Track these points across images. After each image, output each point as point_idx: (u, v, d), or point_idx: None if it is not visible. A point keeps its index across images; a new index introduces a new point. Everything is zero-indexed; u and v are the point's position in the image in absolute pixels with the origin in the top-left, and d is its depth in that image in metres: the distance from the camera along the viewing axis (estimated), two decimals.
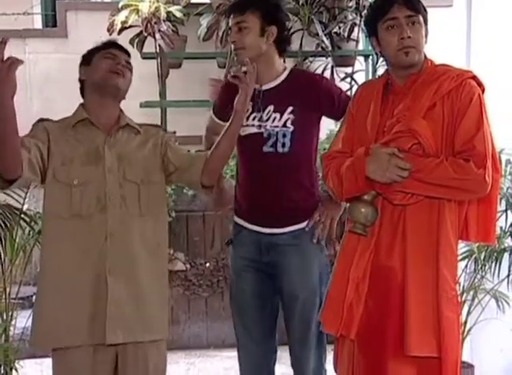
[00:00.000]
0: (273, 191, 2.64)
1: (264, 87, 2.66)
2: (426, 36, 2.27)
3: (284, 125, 2.61)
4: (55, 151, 2.34)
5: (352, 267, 2.27)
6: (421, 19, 2.24)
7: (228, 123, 2.47)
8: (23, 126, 6.42)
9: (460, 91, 2.18)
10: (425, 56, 2.28)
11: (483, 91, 2.24)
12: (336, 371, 2.45)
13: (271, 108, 2.64)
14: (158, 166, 2.46)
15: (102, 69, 2.39)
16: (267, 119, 2.64)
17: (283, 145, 2.61)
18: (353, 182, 2.23)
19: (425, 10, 2.27)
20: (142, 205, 2.39)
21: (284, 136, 2.61)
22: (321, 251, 2.72)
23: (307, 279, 2.59)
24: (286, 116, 2.62)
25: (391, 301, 2.22)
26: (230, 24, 2.68)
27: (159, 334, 2.44)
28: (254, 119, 2.65)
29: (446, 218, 2.19)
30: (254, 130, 2.65)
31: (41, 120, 2.43)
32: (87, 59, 2.45)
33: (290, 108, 2.61)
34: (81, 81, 2.49)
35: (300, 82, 2.67)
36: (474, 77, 2.24)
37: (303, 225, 2.67)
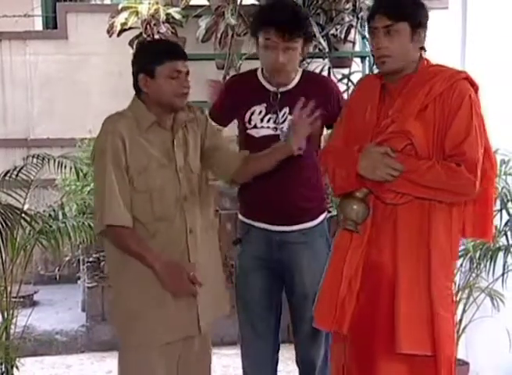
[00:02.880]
0: (284, 190, 2.68)
1: (281, 90, 2.69)
2: (417, 41, 2.26)
3: None
4: (131, 161, 2.32)
5: (345, 264, 2.30)
6: (401, 26, 2.23)
7: (278, 147, 2.47)
8: (23, 127, 6.47)
9: (451, 93, 2.20)
10: (421, 56, 2.29)
11: (476, 90, 2.25)
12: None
13: (286, 110, 2.67)
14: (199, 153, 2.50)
15: (168, 92, 2.32)
16: (283, 122, 2.67)
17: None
18: (345, 178, 2.27)
19: (417, 14, 2.26)
20: (202, 194, 2.46)
21: None
22: (330, 247, 2.75)
23: (316, 277, 2.61)
24: None
25: (382, 298, 2.25)
26: (272, 39, 2.59)
27: (227, 310, 2.61)
28: (269, 120, 2.68)
29: (436, 218, 2.21)
30: (270, 132, 2.68)
31: (114, 122, 2.34)
32: (149, 70, 2.32)
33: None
34: (137, 80, 2.38)
35: (311, 84, 2.71)
36: (467, 78, 2.25)
37: (312, 223, 2.72)
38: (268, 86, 2.71)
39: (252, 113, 2.70)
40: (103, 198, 2.28)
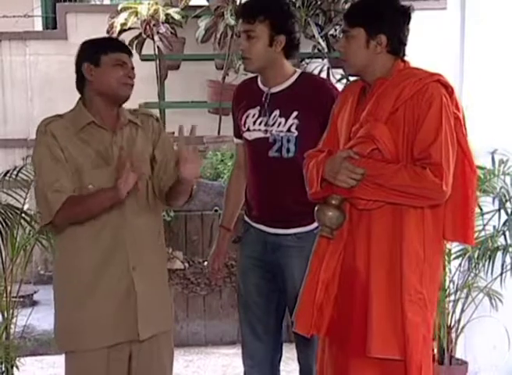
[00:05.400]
0: (279, 195, 2.66)
1: (272, 90, 2.65)
2: (376, 46, 2.22)
3: (288, 130, 2.62)
4: (68, 157, 2.30)
5: (321, 269, 2.30)
6: (356, 32, 2.23)
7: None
8: (23, 127, 6.49)
9: (421, 97, 2.17)
10: (398, 59, 2.26)
11: (451, 92, 2.21)
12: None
13: (277, 112, 2.64)
14: (149, 158, 2.44)
15: (113, 79, 2.31)
16: (273, 124, 2.64)
17: (288, 150, 2.62)
18: (315, 184, 2.26)
19: (376, 18, 2.22)
20: (149, 199, 2.40)
21: (288, 141, 2.62)
22: None
23: None
24: (290, 121, 2.62)
25: (357, 302, 2.24)
26: (239, 29, 2.66)
27: (170, 324, 2.51)
28: (260, 123, 2.66)
29: (409, 223, 2.18)
30: (261, 134, 2.65)
31: (45, 124, 2.34)
32: (94, 59, 2.32)
33: (295, 113, 2.61)
34: (80, 74, 2.37)
35: (307, 86, 2.66)
36: (440, 80, 2.21)
37: (307, 228, 2.69)
38: (262, 87, 2.69)
39: (247, 117, 2.68)
40: (43, 191, 2.26)
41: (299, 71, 2.73)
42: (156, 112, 4.81)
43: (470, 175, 2.24)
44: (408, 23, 2.28)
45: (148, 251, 2.39)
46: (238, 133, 2.78)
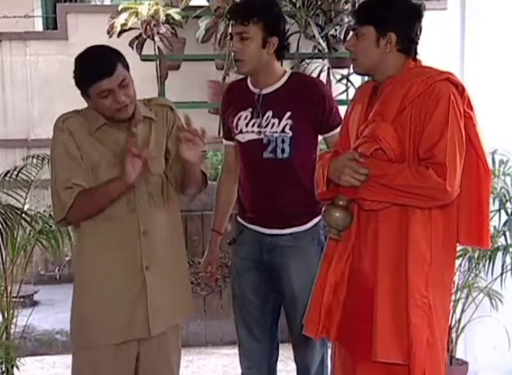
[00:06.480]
0: (274, 195, 2.66)
1: (264, 92, 2.66)
2: (386, 44, 2.19)
3: (283, 130, 2.62)
4: (83, 155, 2.31)
5: (329, 271, 2.29)
6: (365, 30, 2.20)
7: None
8: (24, 127, 6.49)
9: (428, 95, 2.13)
10: (409, 58, 2.24)
11: (462, 90, 2.17)
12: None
13: (270, 113, 2.64)
14: (164, 151, 2.45)
15: (105, 109, 2.28)
16: (266, 125, 2.64)
17: (283, 151, 2.62)
18: (321, 184, 2.25)
19: (386, 16, 2.19)
20: (165, 196, 2.40)
21: (283, 142, 2.62)
22: (322, 252, 2.75)
23: (306, 281, 2.59)
24: (284, 121, 2.62)
25: (364, 305, 2.22)
26: (231, 31, 2.66)
27: (183, 316, 2.56)
28: (253, 125, 2.66)
29: (415, 225, 2.15)
30: (254, 136, 2.66)
31: (63, 120, 2.34)
32: (84, 91, 2.29)
33: (288, 114, 2.61)
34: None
35: (298, 86, 2.66)
36: (448, 78, 2.17)
37: (303, 227, 2.70)
38: (253, 88, 2.69)
39: (239, 119, 2.69)
40: (56, 189, 2.30)
41: (289, 71, 2.73)
42: None
43: (484, 177, 2.19)
44: (419, 22, 2.24)
45: (163, 249, 2.40)
46: (228, 135, 2.79)
